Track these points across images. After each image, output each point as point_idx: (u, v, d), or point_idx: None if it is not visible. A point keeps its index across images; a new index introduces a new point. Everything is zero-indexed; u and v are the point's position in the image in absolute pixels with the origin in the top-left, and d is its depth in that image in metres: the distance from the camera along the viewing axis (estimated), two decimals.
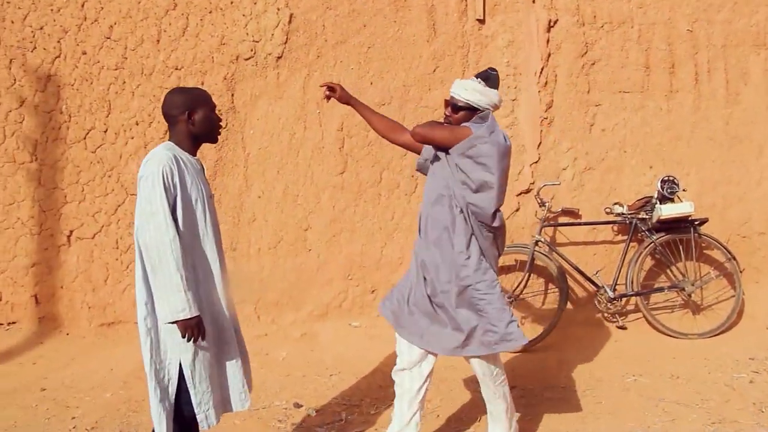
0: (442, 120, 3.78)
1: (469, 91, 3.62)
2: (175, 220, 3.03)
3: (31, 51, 5.71)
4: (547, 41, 6.20)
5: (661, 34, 6.43)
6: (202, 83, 5.87)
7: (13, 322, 5.84)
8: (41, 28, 5.71)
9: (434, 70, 6.10)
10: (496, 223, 3.62)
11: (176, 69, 5.84)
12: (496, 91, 3.67)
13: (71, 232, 5.86)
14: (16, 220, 5.78)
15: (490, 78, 3.68)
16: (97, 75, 5.80)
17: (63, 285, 5.88)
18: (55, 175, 5.81)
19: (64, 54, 5.75)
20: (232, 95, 5.94)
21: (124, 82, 5.82)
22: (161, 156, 3.09)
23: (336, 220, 6.10)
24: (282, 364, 5.54)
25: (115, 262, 5.91)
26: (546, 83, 6.24)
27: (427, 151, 3.84)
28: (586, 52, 6.33)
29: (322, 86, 3.97)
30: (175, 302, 2.98)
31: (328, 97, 3.93)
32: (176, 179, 3.07)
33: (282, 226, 6.07)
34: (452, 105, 3.69)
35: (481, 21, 6.15)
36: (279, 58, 5.95)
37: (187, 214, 3.11)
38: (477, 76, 3.69)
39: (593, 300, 6.23)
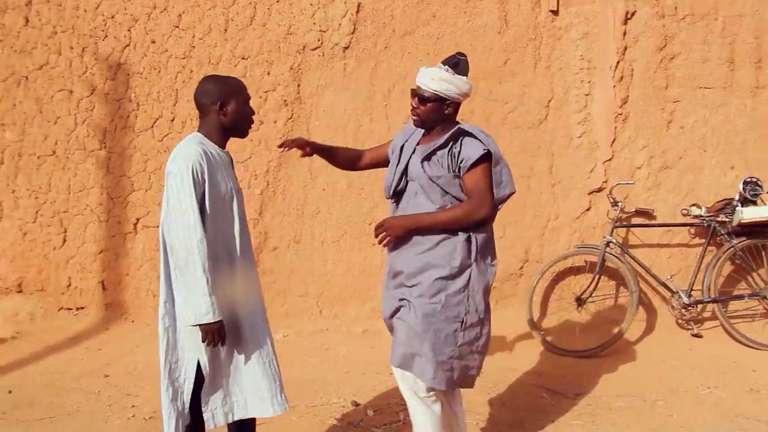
0: (410, 111, 3.42)
1: (436, 80, 3.26)
2: (203, 218, 2.89)
3: (103, 39, 5.76)
4: (624, 34, 5.93)
5: (747, 27, 6.07)
6: (269, 73, 5.83)
7: (82, 308, 5.95)
8: (113, 17, 5.75)
9: (505, 63, 5.91)
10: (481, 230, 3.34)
11: (243, 58, 5.81)
12: (465, 78, 3.28)
13: (138, 219, 5.92)
14: (86, 207, 5.86)
15: (459, 64, 3.28)
16: (165, 64, 5.82)
17: (129, 272, 5.95)
18: (123, 163, 5.86)
19: (134, 43, 5.78)
20: (298, 85, 5.88)
21: (192, 71, 5.82)
22: (190, 151, 2.93)
23: None
24: (342, 360, 5.47)
25: None
26: (621, 78, 5.97)
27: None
28: (665, 46, 6.03)
29: (282, 148, 3.52)
30: (200, 305, 2.88)
31: (289, 147, 3.53)
32: (206, 175, 2.90)
33: (346, 219, 5.98)
34: (419, 96, 3.28)
35: (555, 12, 5.92)
36: (346, 48, 5.86)
37: (215, 211, 2.96)
38: (444, 63, 3.28)
39: (667, 305, 5.97)
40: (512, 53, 5.92)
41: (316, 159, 5.74)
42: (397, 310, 3.45)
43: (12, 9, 5.72)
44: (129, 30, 5.77)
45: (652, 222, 6.03)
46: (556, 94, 5.95)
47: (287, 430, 4.26)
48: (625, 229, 6.02)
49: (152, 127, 5.86)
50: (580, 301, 5.73)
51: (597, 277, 5.69)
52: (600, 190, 6.04)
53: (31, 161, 5.80)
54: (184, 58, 5.80)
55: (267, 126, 5.86)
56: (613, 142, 6.01)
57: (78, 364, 5.28)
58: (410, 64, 5.89)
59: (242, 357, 3.13)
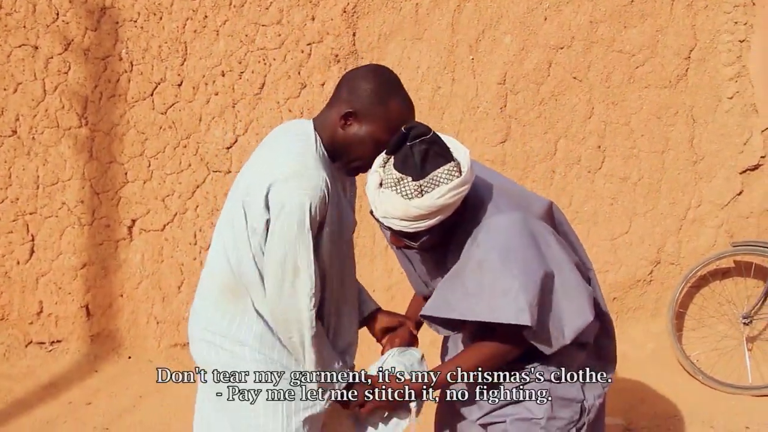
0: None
1: (409, 220, 2.09)
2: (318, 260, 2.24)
3: None
4: None
5: None
6: (313, 18, 4.55)
7: (58, 341, 4.89)
8: None
9: (632, 1, 4.65)
10: None
11: None
12: (442, 173, 2.02)
13: (133, 221, 4.82)
14: (61, 206, 4.71)
15: (410, 163, 2.01)
16: (169, 7, 4.58)
17: (123, 293, 4.89)
18: (111, 145, 4.70)
19: None
20: (354, 35, 4.66)
21: (206, 17, 4.58)
22: (311, 174, 2.14)
23: None
24: None
25: (192, 263, 4.79)
26: None
27: None
28: None
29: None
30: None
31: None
32: (324, 211, 2.17)
33: None
34: (404, 238, 2.19)
35: None
36: None
37: (334, 253, 2.31)
38: (394, 167, 2.04)
39: None
40: None
41: None
42: None
43: None
44: None
45: None
46: (699, 42, 4.71)
47: None
48: None
49: (152, 94, 4.64)
50: (746, 320, 4.41)
51: None
52: (756, 167, 4.78)
53: None
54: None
55: (311, 90, 4.66)
56: None
57: (59, 429, 4.08)
58: (506, 4, 4.61)
59: None
